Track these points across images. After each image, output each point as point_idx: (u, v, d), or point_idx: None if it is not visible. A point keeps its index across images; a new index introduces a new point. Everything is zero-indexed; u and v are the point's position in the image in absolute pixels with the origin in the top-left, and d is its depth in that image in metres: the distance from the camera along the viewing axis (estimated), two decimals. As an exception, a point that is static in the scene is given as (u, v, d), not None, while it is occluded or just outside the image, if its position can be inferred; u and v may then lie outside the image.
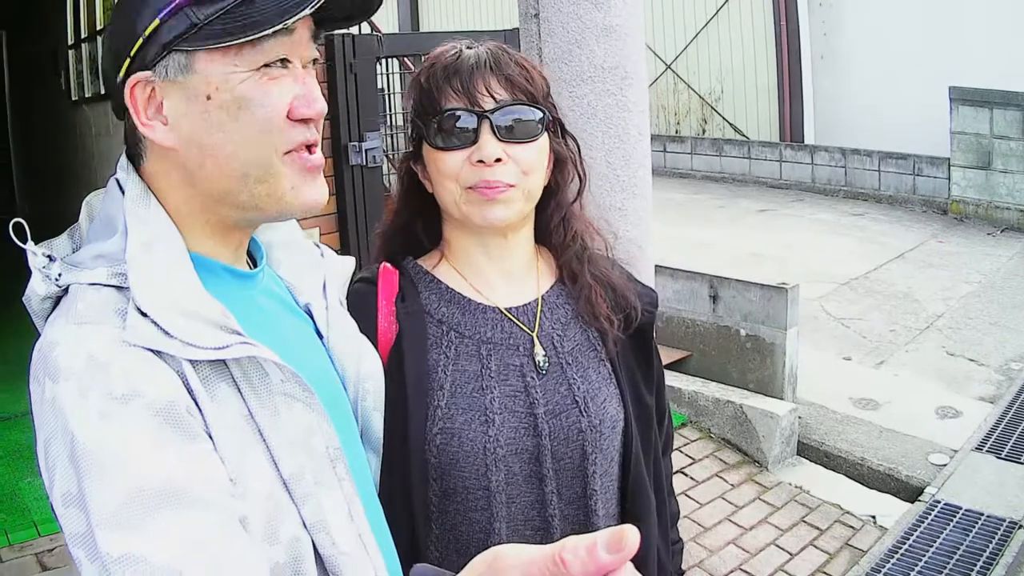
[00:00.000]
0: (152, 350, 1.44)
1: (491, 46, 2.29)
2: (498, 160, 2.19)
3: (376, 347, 2.22)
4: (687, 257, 10.49)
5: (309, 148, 1.68)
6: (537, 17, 3.87)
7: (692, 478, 7.24)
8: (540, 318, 2.37)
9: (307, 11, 1.55)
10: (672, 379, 8.14)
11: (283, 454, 1.56)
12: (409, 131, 2.41)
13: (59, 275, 1.55)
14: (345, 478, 1.69)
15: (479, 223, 2.26)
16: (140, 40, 1.56)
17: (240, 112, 1.59)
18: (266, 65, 1.60)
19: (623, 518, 2.41)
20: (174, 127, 1.59)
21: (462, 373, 2.29)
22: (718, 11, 20.23)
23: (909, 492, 7.14)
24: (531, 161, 2.25)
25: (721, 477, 7.33)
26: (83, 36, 13.42)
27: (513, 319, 2.35)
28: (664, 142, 21.04)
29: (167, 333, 1.45)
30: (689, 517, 6.69)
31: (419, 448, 2.22)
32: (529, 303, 2.39)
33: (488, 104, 2.21)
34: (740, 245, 13.79)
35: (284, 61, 1.63)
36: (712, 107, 20.94)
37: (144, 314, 1.45)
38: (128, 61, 1.58)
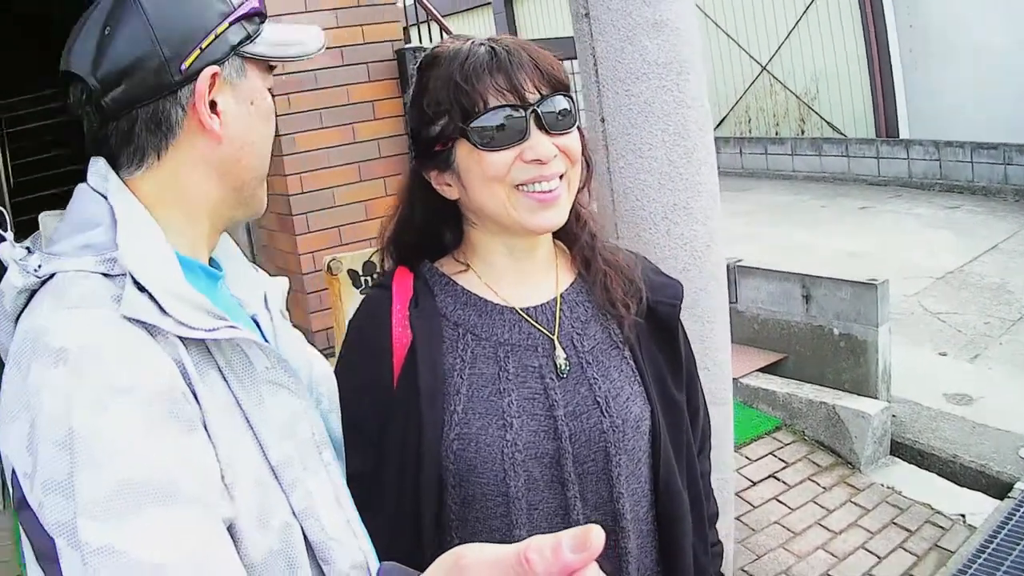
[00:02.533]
0: (148, 328, 1.47)
1: (511, 40, 2.23)
2: (554, 156, 2.15)
3: (391, 354, 2.24)
4: (789, 259, 10.45)
5: None
6: (588, 16, 3.83)
7: (784, 482, 7.14)
8: (560, 318, 2.31)
9: (316, 52, 1.90)
10: (766, 382, 8.13)
11: (270, 441, 1.60)
12: (417, 136, 2.30)
13: (38, 266, 1.56)
14: (331, 463, 1.78)
15: (533, 228, 2.20)
16: (212, 36, 1.68)
17: (268, 121, 1.82)
18: (268, 89, 1.83)
19: (656, 521, 2.34)
20: (224, 123, 1.72)
21: (479, 377, 2.23)
22: (807, 9, 20.06)
23: (999, 489, 6.96)
24: (577, 150, 2.21)
25: (813, 480, 7.21)
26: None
27: (531, 320, 2.29)
28: (765, 144, 20.95)
29: (163, 310, 1.48)
30: (779, 523, 6.61)
31: (434, 455, 2.17)
32: (548, 302, 2.32)
33: (534, 98, 2.15)
34: (840, 244, 13.74)
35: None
36: (809, 106, 20.77)
37: (142, 289, 1.49)
38: (198, 52, 1.67)
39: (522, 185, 2.15)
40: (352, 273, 7.37)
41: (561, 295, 2.34)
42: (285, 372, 1.67)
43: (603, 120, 3.91)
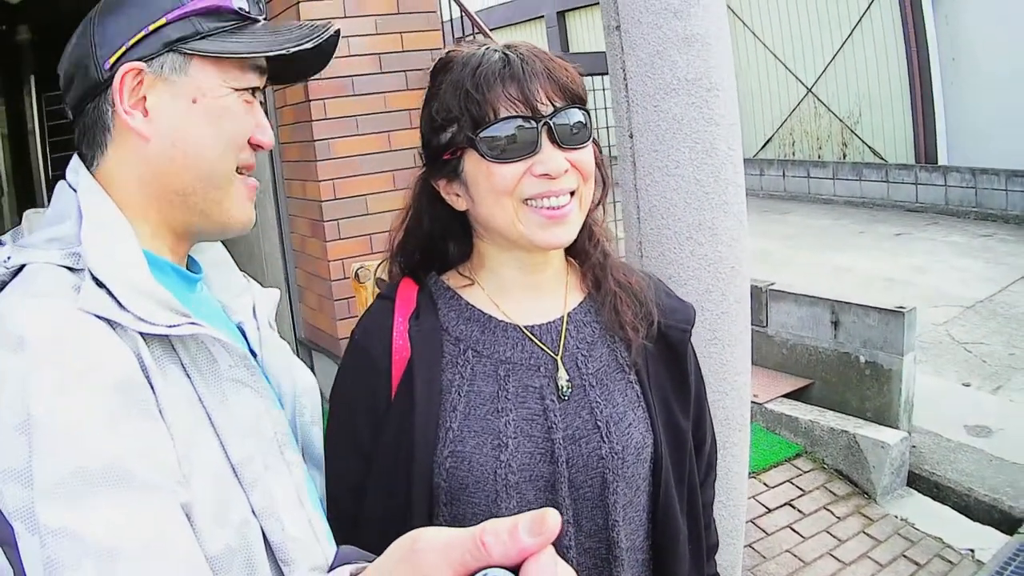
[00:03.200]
0: (106, 321, 1.48)
1: (529, 48, 2.17)
2: (565, 171, 2.10)
3: (390, 367, 2.20)
4: (824, 283, 10.45)
5: (248, 169, 1.86)
6: (618, 29, 3.79)
7: (799, 511, 7.11)
8: (565, 337, 2.25)
9: (298, 48, 1.77)
10: (790, 408, 8.09)
11: (232, 439, 1.60)
12: (427, 144, 2.27)
13: (8, 258, 1.59)
14: (294, 463, 1.77)
15: (540, 244, 2.15)
16: (142, 33, 1.69)
17: (219, 121, 1.76)
18: (244, 89, 1.80)
19: (652, 551, 2.29)
20: (154, 120, 1.72)
21: (477, 395, 2.18)
22: (852, 31, 20.03)
23: (1011, 524, 6.95)
24: (589, 166, 2.16)
25: (828, 510, 7.18)
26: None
27: (535, 339, 2.24)
28: (808, 167, 20.98)
29: (121, 305, 1.49)
30: (791, 551, 6.59)
31: (425, 472, 2.13)
32: (553, 321, 2.27)
33: (547, 110, 2.09)
34: (875, 270, 13.82)
35: (255, 91, 1.84)
36: (852, 131, 20.76)
37: (100, 284, 1.51)
38: (123, 50, 1.69)
39: (531, 200, 2.10)
40: (380, 282, 7.34)
41: (568, 314, 2.29)
42: (248, 371, 1.69)
43: (631, 136, 3.85)
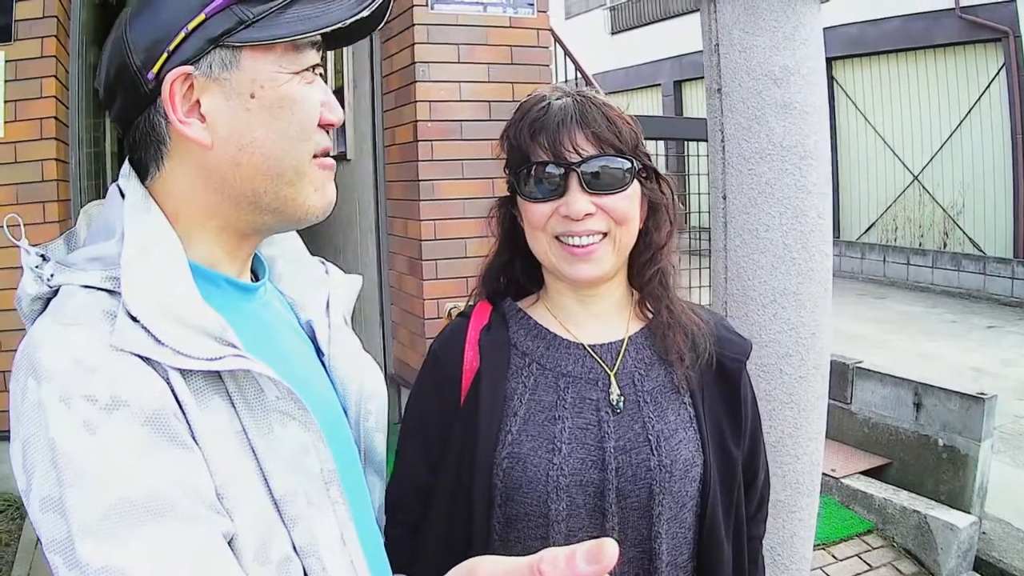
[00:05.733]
0: (141, 356, 1.41)
1: (580, 97, 2.32)
2: (587, 215, 2.23)
3: (460, 375, 2.34)
4: (912, 369, 10.35)
5: (324, 153, 1.72)
6: (719, 92, 3.86)
7: (862, 586, 7.04)
8: (623, 356, 2.38)
9: (354, 19, 1.63)
10: (866, 485, 8.02)
11: (275, 473, 1.53)
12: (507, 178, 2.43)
13: (51, 275, 1.54)
14: (339, 501, 1.65)
15: (569, 277, 2.31)
16: (183, 34, 1.56)
17: (282, 112, 1.62)
18: (304, 70, 1.65)
19: (696, 572, 2.37)
20: (212, 125, 1.60)
21: (537, 403, 2.32)
22: (960, 122, 19.89)
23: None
24: (622, 211, 2.28)
25: (891, 588, 7.10)
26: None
27: (595, 356, 2.37)
28: (908, 255, 20.76)
29: (157, 340, 1.42)
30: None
31: (486, 473, 2.25)
32: (615, 342, 2.40)
33: (574, 158, 2.23)
34: (964, 360, 13.63)
35: (315, 67, 1.68)
36: (954, 220, 20.55)
37: (134, 319, 1.43)
38: (165, 56, 1.56)
39: (559, 236, 2.26)
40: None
41: (630, 337, 2.41)
42: (295, 404, 1.56)
43: (724, 197, 3.91)
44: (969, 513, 7.63)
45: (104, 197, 1.70)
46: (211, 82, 1.58)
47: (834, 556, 7.25)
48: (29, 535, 6.58)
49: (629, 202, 2.28)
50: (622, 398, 2.32)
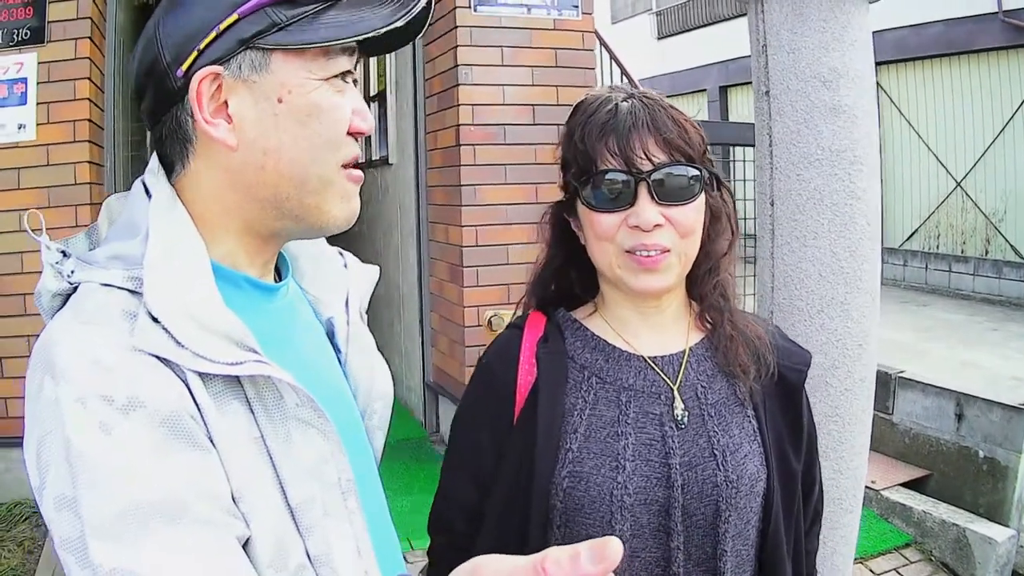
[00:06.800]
0: (160, 358, 1.40)
1: (647, 99, 2.23)
2: (656, 225, 2.14)
3: (515, 392, 2.26)
4: (951, 377, 10.28)
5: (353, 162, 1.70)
6: (768, 95, 3.80)
7: (898, 602, 6.96)
8: (685, 369, 2.29)
9: (389, 28, 1.60)
10: (906, 497, 7.97)
11: (292, 481, 1.51)
12: (560, 181, 2.35)
13: (72, 272, 1.53)
14: (356, 512, 1.64)
15: (635, 289, 2.22)
16: (214, 34, 1.55)
17: (309, 119, 1.61)
18: (334, 77, 1.64)
19: None
20: (238, 127, 1.59)
21: (599, 418, 2.23)
22: (1003, 128, 19.76)
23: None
24: (689, 223, 2.19)
25: (929, 602, 7.02)
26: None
27: (656, 369, 2.28)
28: (950, 262, 20.63)
29: (178, 342, 1.41)
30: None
31: (543, 492, 2.17)
32: (675, 354, 2.31)
33: (645, 166, 2.14)
34: (1004, 368, 13.45)
35: (347, 75, 1.67)
36: (996, 228, 20.41)
37: (156, 320, 1.42)
38: (195, 54, 1.55)
39: (629, 252, 2.17)
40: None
41: (690, 348, 2.33)
42: (314, 412, 1.56)
43: (772, 204, 3.86)
44: (1008, 527, 7.59)
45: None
46: (240, 83, 1.58)
47: (871, 570, 7.20)
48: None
49: (696, 214, 2.20)
50: (686, 412, 2.24)
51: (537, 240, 2.43)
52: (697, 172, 2.19)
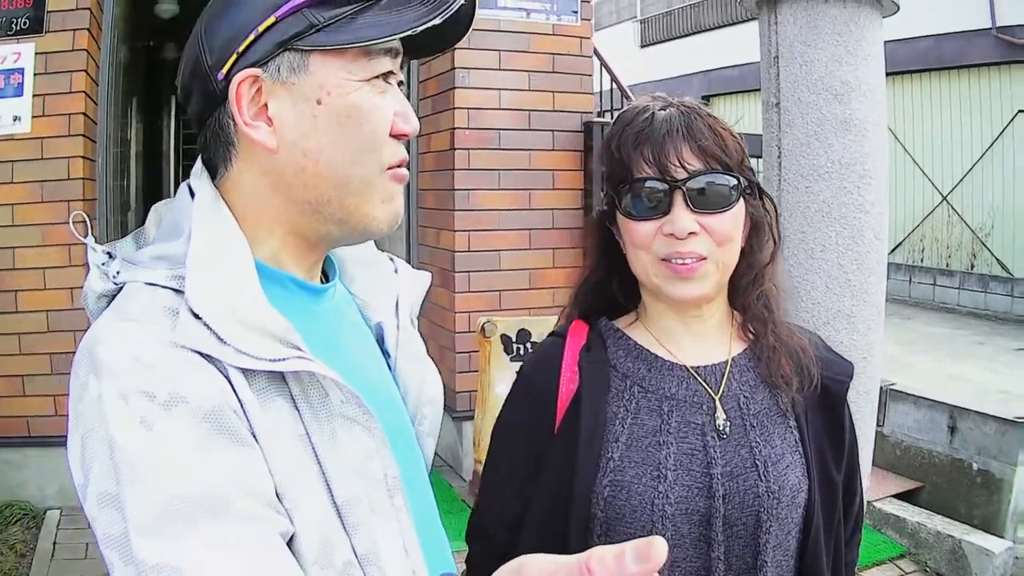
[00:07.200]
0: (203, 355, 1.40)
1: (684, 107, 2.21)
2: (691, 233, 2.12)
3: (556, 400, 2.24)
4: (939, 390, 10.30)
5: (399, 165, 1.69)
6: (777, 107, 3.80)
7: (894, 614, 6.96)
8: (728, 378, 2.27)
9: (425, 26, 1.57)
10: (899, 509, 7.94)
11: (338, 479, 1.50)
12: (603, 191, 2.33)
13: (117, 272, 1.54)
14: (403, 509, 1.63)
15: (672, 297, 2.20)
16: (252, 36, 1.55)
17: (348, 121, 1.60)
18: (375, 78, 1.62)
19: None
20: (278, 129, 1.58)
21: (640, 427, 2.21)
22: (992, 143, 19.84)
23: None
24: (725, 231, 2.16)
25: (926, 613, 7.03)
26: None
27: (699, 378, 2.26)
28: (935, 275, 20.70)
29: (220, 338, 1.41)
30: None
31: (584, 501, 2.15)
32: (718, 363, 2.29)
33: (680, 174, 2.13)
34: (991, 382, 13.50)
35: (389, 75, 1.65)
36: (983, 242, 20.48)
37: (197, 317, 1.42)
38: (235, 57, 1.56)
39: (665, 260, 2.15)
40: (505, 338, 7.40)
41: (733, 358, 2.31)
42: (359, 408, 1.55)
43: (779, 215, 3.84)
44: (1003, 538, 7.57)
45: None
46: (279, 86, 1.58)
47: (866, 581, 7.20)
48: (44, 545, 6.59)
49: (733, 222, 2.18)
50: (728, 422, 2.22)
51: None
52: (734, 180, 2.17)
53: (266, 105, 1.58)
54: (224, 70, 1.56)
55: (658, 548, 0.94)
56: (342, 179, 1.61)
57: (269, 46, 1.55)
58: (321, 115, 1.58)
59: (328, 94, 1.58)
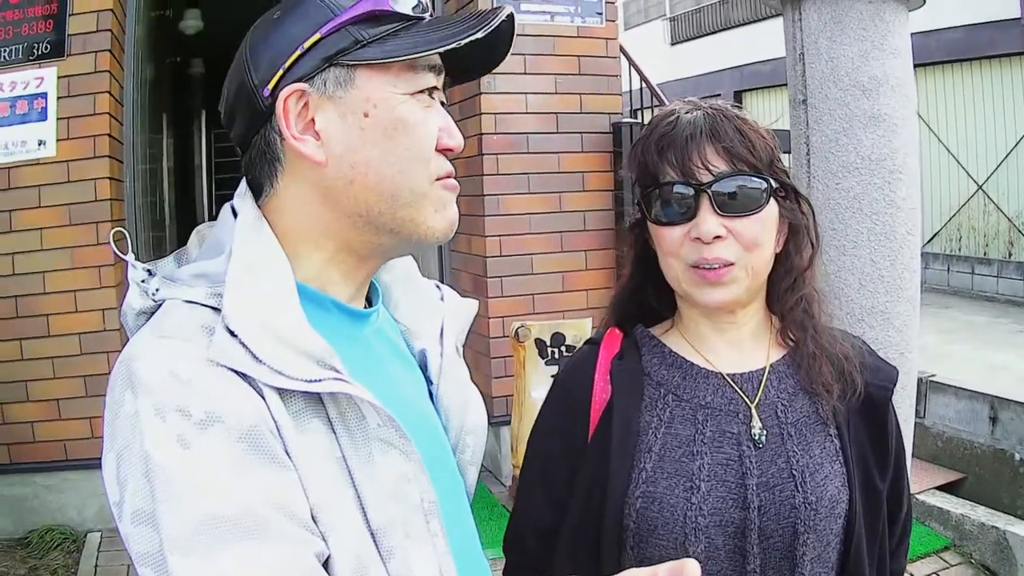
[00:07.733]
0: (238, 373, 1.41)
1: (711, 110, 2.17)
2: (717, 237, 2.08)
3: (589, 408, 2.22)
4: (979, 379, 10.23)
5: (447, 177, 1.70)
6: (805, 103, 3.78)
7: (943, 604, 6.91)
8: (765, 386, 2.22)
9: (469, 39, 1.59)
10: (942, 500, 7.87)
11: (373, 502, 1.50)
12: (634, 199, 2.30)
13: (156, 290, 1.55)
14: (439, 535, 1.61)
15: (701, 303, 2.16)
16: (298, 52, 1.57)
17: (396, 133, 1.61)
18: (419, 92, 1.64)
19: None
20: (326, 143, 1.59)
21: (674, 437, 2.17)
22: (1027, 130, 19.73)
23: None
24: (754, 235, 2.11)
25: (969, 605, 6.97)
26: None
27: (735, 386, 2.21)
28: (973, 264, 20.55)
29: (256, 357, 1.42)
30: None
31: (616, 512, 2.12)
32: (755, 371, 2.24)
33: (705, 177, 2.09)
34: (1031, 370, 13.41)
35: (432, 91, 1.67)
36: (1019, 230, 20.35)
37: (233, 334, 1.42)
38: (281, 72, 1.58)
39: (694, 266, 2.11)
40: (539, 343, 7.37)
41: (771, 365, 2.26)
42: (396, 432, 1.55)
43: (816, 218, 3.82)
44: (1047, 531, 7.49)
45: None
46: (325, 100, 1.59)
47: (911, 574, 7.13)
48: (86, 568, 6.59)
49: (761, 225, 2.12)
50: (764, 432, 2.17)
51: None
52: (763, 182, 2.12)
53: (313, 120, 1.59)
54: (270, 86, 1.58)
55: (691, 571, 0.94)
56: (391, 191, 1.62)
57: (315, 61, 1.58)
58: (368, 128, 1.60)
59: (375, 107, 1.60)
